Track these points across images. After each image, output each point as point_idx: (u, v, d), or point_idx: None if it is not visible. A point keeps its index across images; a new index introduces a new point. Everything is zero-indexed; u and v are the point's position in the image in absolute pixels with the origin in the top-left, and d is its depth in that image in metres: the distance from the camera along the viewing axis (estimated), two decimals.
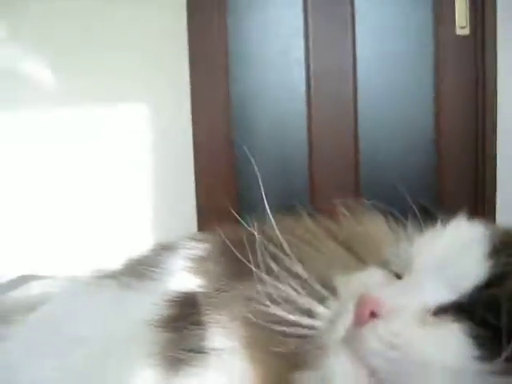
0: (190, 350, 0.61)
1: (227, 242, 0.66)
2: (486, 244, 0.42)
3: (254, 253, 0.59)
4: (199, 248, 0.78)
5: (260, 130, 2.39)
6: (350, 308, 0.41)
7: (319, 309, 0.47)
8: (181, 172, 2.27)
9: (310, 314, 0.48)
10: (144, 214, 2.28)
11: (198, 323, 0.62)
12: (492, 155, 2.20)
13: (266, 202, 0.53)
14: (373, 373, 0.38)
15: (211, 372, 0.58)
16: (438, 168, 2.31)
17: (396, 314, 0.39)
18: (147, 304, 0.69)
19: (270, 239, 0.61)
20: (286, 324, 0.49)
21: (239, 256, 0.60)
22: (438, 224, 0.48)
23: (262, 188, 0.56)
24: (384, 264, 0.49)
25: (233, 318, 0.60)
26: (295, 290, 0.50)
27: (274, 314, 0.50)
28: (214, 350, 0.59)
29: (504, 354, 0.36)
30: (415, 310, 0.40)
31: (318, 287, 0.50)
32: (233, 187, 2.22)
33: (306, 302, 0.49)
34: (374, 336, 0.38)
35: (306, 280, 0.51)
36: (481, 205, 2.25)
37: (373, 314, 0.39)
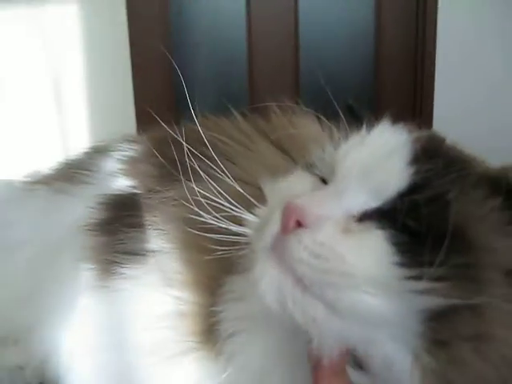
0: (125, 253, 0.61)
1: (153, 145, 0.64)
2: (409, 151, 0.43)
3: (182, 154, 0.58)
4: (132, 149, 0.76)
5: (199, 30, 2.29)
6: (277, 216, 0.41)
7: (247, 216, 0.47)
8: (118, 73, 2.17)
9: (238, 221, 0.48)
10: (81, 117, 2.20)
11: (133, 225, 0.63)
12: (432, 53, 2.19)
13: (191, 103, 0.51)
14: (298, 281, 0.39)
15: (146, 273, 0.59)
16: (377, 69, 2.30)
17: (321, 223, 0.40)
18: (81, 208, 0.69)
19: (199, 140, 0.60)
20: (216, 231, 0.50)
21: (162, 160, 0.59)
22: (363, 129, 0.47)
23: (186, 91, 0.53)
24: (310, 167, 0.49)
25: (167, 219, 0.60)
26: (224, 197, 0.49)
27: (204, 221, 0.50)
28: (148, 251, 0.60)
29: (425, 259, 0.37)
30: (339, 218, 0.40)
31: (246, 194, 0.50)
32: (171, 88, 2.15)
33: (234, 209, 0.48)
34: (300, 245, 0.39)
35: (234, 186, 0.51)
36: (418, 109, 2.28)
37: (298, 223, 0.40)
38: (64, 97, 2.14)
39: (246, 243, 0.47)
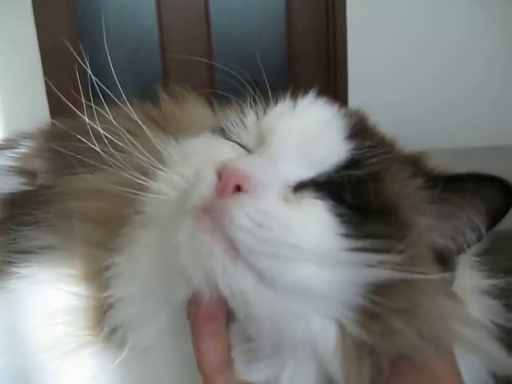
0: (18, 252, 0.59)
1: (47, 140, 0.62)
2: (344, 126, 0.44)
3: (73, 147, 0.57)
4: (25, 146, 0.74)
5: (108, 15, 2.24)
6: (209, 178, 0.39)
7: (146, 183, 0.45)
8: (27, 58, 2.07)
9: (141, 188, 0.45)
10: None
11: (25, 223, 0.61)
12: (343, 22, 2.21)
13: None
14: (231, 248, 0.37)
15: (40, 271, 0.58)
16: (289, 44, 2.32)
17: (262, 189, 0.38)
18: None
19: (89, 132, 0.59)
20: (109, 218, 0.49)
21: (52, 154, 0.57)
22: (287, 100, 0.47)
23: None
24: (222, 132, 0.48)
25: (58, 214, 0.59)
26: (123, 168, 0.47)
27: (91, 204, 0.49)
28: (41, 248, 0.59)
29: (367, 231, 0.38)
30: (279, 187, 0.40)
31: (144, 159, 0.47)
32: (82, 74, 2.08)
33: (133, 176, 0.46)
34: (241, 211, 0.37)
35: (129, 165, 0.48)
36: (332, 83, 2.32)
37: (238, 188, 0.38)
38: None
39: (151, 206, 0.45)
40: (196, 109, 0.64)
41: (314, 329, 0.39)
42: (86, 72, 0.48)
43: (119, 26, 2.25)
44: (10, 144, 0.76)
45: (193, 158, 0.45)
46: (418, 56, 2.25)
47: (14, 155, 0.72)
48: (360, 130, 0.44)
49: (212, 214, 0.38)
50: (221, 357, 0.41)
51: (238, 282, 0.38)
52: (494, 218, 0.42)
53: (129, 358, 0.49)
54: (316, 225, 0.38)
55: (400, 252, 0.38)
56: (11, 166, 0.71)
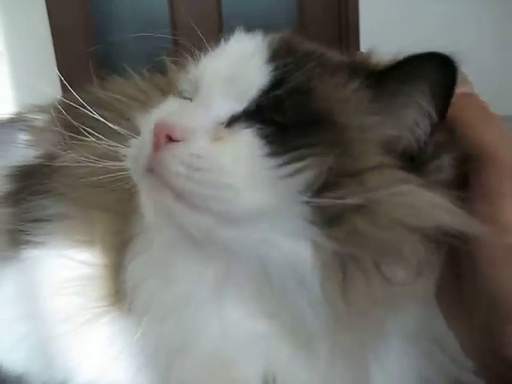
0: (31, 221, 0.60)
1: (57, 112, 0.63)
2: (265, 51, 0.43)
3: (82, 118, 0.57)
4: (37, 119, 0.74)
5: None
6: (148, 137, 0.40)
7: (123, 150, 0.46)
8: (37, 34, 2.07)
9: (117, 158, 0.47)
10: (4, 85, 2.09)
11: (37, 193, 0.62)
12: None
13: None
14: (180, 196, 0.39)
15: (52, 239, 0.59)
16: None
17: (191, 134, 0.39)
18: None
19: (98, 102, 0.60)
20: (109, 177, 0.48)
21: (61, 126, 0.58)
22: (218, 45, 0.47)
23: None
24: (180, 93, 0.49)
25: (68, 182, 0.60)
26: (109, 144, 0.48)
27: (98, 171, 0.49)
28: (54, 216, 0.60)
29: (295, 144, 0.38)
30: (209, 127, 0.41)
31: (124, 132, 0.48)
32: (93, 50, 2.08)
33: (113, 148, 0.47)
34: (175, 159, 0.38)
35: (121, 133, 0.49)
36: (345, 30, 2.26)
37: (169, 139, 0.39)
38: None
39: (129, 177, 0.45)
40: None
41: (286, 252, 0.40)
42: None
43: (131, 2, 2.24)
44: (22, 117, 0.77)
45: (145, 124, 0.46)
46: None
47: (27, 128, 0.73)
48: (283, 50, 0.44)
49: (154, 170, 0.40)
50: None
51: (202, 227, 0.39)
52: (441, 96, 0.40)
53: (148, 327, 0.49)
54: (246, 153, 0.39)
55: (337, 154, 0.38)
56: (24, 139, 0.72)
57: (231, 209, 0.38)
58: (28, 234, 0.60)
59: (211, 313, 0.46)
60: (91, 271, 0.56)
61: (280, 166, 0.38)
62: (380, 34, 2.14)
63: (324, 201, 0.37)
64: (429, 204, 0.39)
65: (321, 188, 0.38)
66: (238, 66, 0.43)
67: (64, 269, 0.57)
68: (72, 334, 0.56)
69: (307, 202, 0.38)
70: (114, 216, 0.54)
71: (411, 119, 0.41)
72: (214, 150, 0.39)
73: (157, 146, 0.39)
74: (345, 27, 2.25)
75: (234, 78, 0.42)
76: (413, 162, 0.41)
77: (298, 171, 0.37)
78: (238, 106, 0.42)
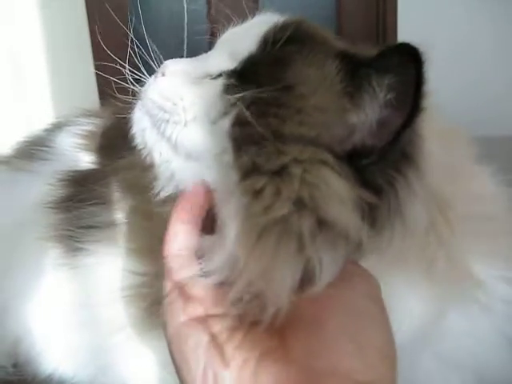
0: (84, 227, 0.60)
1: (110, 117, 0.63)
2: (269, 25, 0.46)
3: None
4: (90, 124, 0.74)
5: None
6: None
7: None
8: (76, 39, 2.10)
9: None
10: (42, 86, 2.12)
11: (90, 200, 0.61)
12: None
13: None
14: (152, 122, 0.45)
15: (105, 246, 0.58)
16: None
17: (175, 74, 0.46)
18: (40, 185, 0.67)
19: None
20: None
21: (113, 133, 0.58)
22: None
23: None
24: None
25: (119, 189, 0.59)
26: None
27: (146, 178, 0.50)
28: (103, 223, 0.59)
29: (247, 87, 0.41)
30: (195, 74, 0.46)
31: None
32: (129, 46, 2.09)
33: None
34: (153, 88, 0.46)
35: None
36: (382, 30, 2.22)
37: (162, 75, 0.46)
38: (24, 71, 2.04)
39: None
40: None
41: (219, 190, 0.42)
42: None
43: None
44: (72, 121, 0.77)
45: None
46: None
47: (81, 132, 0.73)
48: (284, 27, 0.45)
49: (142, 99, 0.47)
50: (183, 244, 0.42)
51: (159, 149, 0.46)
52: (406, 91, 0.38)
53: None
54: (207, 94, 0.44)
55: (279, 114, 0.39)
56: (78, 144, 0.71)
57: (178, 139, 0.44)
58: (79, 241, 0.59)
59: None
60: (142, 280, 0.55)
61: (226, 112, 0.41)
62: (417, 34, 2.06)
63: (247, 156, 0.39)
64: (335, 194, 0.38)
65: (248, 141, 0.39)
66: (240, 35, 0.48)
67: (116, 277, 0.56)
68: (125, 344, 0.55)
69: (233, 149, 0.40)
70: (161, 224, 0.53)
71: (373, 112, 0.39)
72: (184, 87, 0.45)
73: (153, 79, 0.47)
74: (382, 26, 2.21)
75: (233, 42, 0.48)
76: (360, 153, 0.39)
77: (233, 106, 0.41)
78: (230, 65, 0.46)
